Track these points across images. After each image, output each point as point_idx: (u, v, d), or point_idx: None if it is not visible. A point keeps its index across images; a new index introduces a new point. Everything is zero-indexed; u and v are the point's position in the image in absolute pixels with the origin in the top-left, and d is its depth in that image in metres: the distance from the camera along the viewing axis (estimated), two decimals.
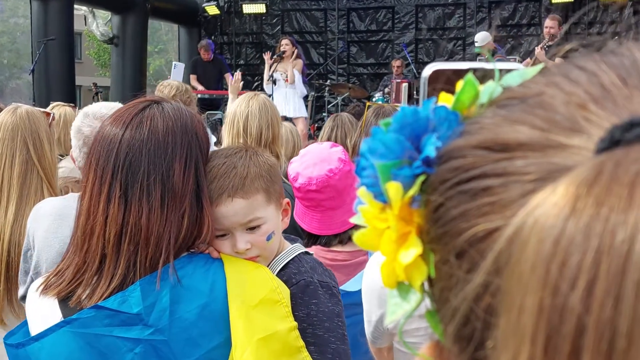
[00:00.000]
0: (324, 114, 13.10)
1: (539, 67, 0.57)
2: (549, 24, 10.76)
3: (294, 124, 9.22)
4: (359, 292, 2.19)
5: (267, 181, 1.90)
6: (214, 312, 1.68)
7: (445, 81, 0.66)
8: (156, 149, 1.72)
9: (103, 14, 16.97)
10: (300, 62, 11.06)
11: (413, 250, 0.53)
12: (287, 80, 10.65)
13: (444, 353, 0.55)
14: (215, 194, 1.82)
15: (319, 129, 12.47)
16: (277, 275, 1.90)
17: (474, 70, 0.65)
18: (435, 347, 0.57)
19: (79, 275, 1.71)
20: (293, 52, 11.01)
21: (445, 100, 0.57)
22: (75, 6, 14.00)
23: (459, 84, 0.57)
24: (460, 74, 0.63)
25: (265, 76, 10.80)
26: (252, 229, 1.87)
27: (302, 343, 1.78)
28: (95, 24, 16.64)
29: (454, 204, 0.50)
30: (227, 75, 13.27)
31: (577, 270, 0.39)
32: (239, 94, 5.52)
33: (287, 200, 2.04)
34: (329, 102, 13.42)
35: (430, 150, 0.53)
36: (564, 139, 0.46)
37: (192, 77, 13.16)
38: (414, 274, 0.54)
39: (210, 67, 13.22)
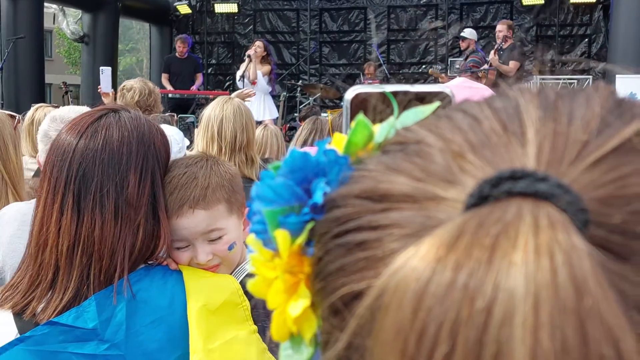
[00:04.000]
0: (295, 114, 13.07)
1: (436, 105, 0.55)
2: (500, 28, 11.13)
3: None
4: None
5: (229, 191, 1.87)
6: (172, 326, 1.65)
7: (368, 104, 0.64)
8: (110, 159, 1.68)
9: (73, 12, 16.79)
10: (268, 67, 11.03)
11: (301, 302, 0.51)
12: (253, 83, 10.63)
13: None
14: (176, 205, 1.78)
15: (292, 129, 12.48)
16: None
17: (398, 94, 0.63)
18: None
19: (33, 288, 1.67)
20: (264, 55, 10.99)
21: (339, 142, 0.55)
22: (45, 4, 13.84)
23: (354, 123, 0.54)
24: (385, 96, 0.61)
25: (239, 73, 10.79)
26: (214, 240, 1.85)
27: (264, 345, 1.76)
28: (66, 22, 16.46)
29: (331, 258, 0.48)
30: (199, 75, 13.19)
31: (433, 342, 0.37)
32: (205, 94, 5.49)
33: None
34: (301, 102, 13.39)
35: (318, 197, 0.51)
36: (439, 191, 0.44)
37: (164, 76, 13.07)
38: (304, 327, 0.52)
39: (184, 65, 13.13)
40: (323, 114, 9.89)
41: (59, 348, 1.61)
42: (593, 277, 0.36)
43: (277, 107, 11.68)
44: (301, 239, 0.51)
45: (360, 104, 0.72)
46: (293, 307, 0.51)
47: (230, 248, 1.88)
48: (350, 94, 0.74)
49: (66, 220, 1.66)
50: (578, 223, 0.39)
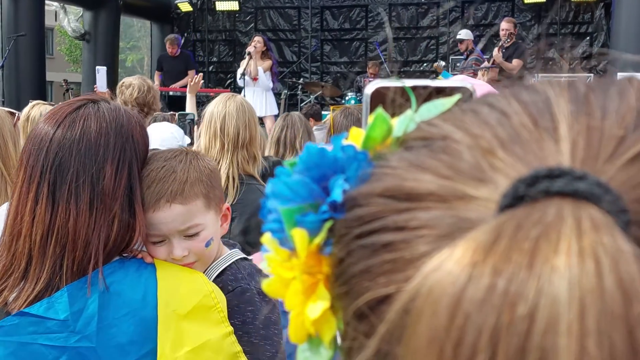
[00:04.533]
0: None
1: (456, 97, 0.53)
2: (505, 26, 11.02)
3: (263, 122, 9.22)
4: None
5: (207, 186, 1.85)
6: (144, 320, 1.63)
7: (389, 99, 0.62)
8: (87, 150, 1.66)
9: (75, 10, 16.79)
10: (269, 62, 11.02)
11: (320, 303, 0.49)
12: (254, 79, 10.63)
13: None
14: (153, 199, 1.76)
15: None
16: (213, 281, 1.86)
17: (418, 88, 0.61)
18: None
19: (5, 277, 1.66)
20: (264, 51, 10.98)
21: (357, 136, 0.53)
22: (47, 2, 13.84)
23: (371, 118, 0.53)
24: (404, 91, 0.59)
25: (239, 71, 10.78)
26: (191, 235, 1.83)
27: (239, 348, 1.74)
28: (67, 19, 16.45)
29: (354, 259, 0.45)
30: (191, 72, 13.18)
31: (473, 350, 0.35)
32: (206, 92, 5.48)
33: (227, 205, 2.00)
34: (302, 100, 13.36)
35: (337, 194, 0.48)
36: (469, 190, 0.42)
37: (156, 74, 13.08)
38: (323, 329, 0.50)
39: (176, 63, 13.12)
40: (325, 112, 9.89)
41: (29, 339, 1.59)
42: None
43: (278, 104, 11.67)
44: (320, 238, 0.49)
45: (379, 99, 0.70)
46: (312, 309, 0.49)
47: (207, 244, 1.86)
48: (370, 88, 0.72)
49: (40, 210, 1.64)
50: (621, 224, 0.37)
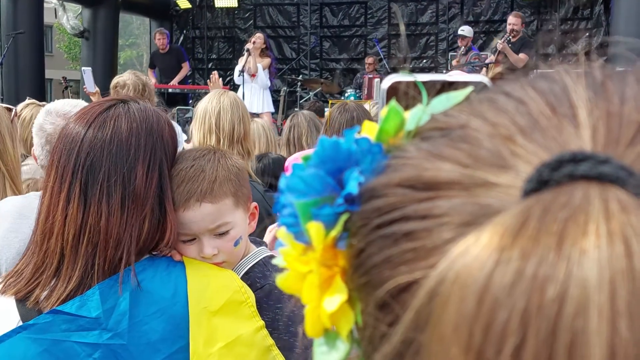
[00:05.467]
0: (296, 109, 13.07)
1: (468, 90, 0.53)
2: (512, 20, 10.92)
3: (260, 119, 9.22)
4: None
5: (236, 185, 1.86)
6: (175, 317, 1.65)
7: (402, 92, 0.62)
8: (118, 150, 1.68)
9: (73, 7, 16.76)
10: (268, 60, 11.04)
11: (338, 296, 0.49)
12: (253, 76, 10.64)
13: None
14: (183, 198, 1.77)
15: None
16: (241, 278, 1.87)
17: (434, 83, 0.61)
18: None
19: (37, 275, 1.68)
20: (263, 48, 11.00)
21: (370, 129, 0.53)
22: None
23: (384, 111, 0.53)
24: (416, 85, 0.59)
25: (238, 67, 10.79)
26: (221, 234, 1.84)
27: (271, 342, 1.75)
28: (66, 17, 16.43)
29: (374, 250, 0.45)
30: (185, 64, 13.17)
31: (502, 334, 0.35)
32: (206, 89, 5.49)
33: (254, 204, 2.01)
34: (302, 97, 13.37)
35: (353, 187, 0.49)
36: (490, 177, 0.42)
37: (149, 72, 13.11)
38: (340, 322, 0.50)
39: (167, 59, 13.15)
40: (325, 109, 9.89)
41: (61, 337, 1.61)
42: None
43: (278, 102, 11.69)
44: (336, 231, 0.49)
45: (395, 94, 0.70)
46: (329, 302, 0.49)
47: (236, 244, 1.87)
48: (386, 83, 0.72)
49: (72, 209, 1.66)
50: None
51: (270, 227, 2.68)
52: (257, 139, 4.73)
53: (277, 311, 1.88)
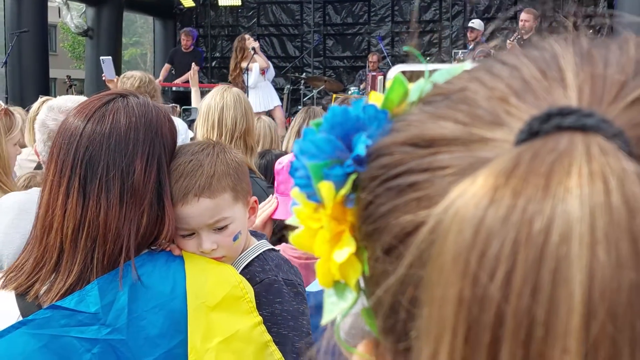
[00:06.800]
0: (299, 107, 13.08)
1: (466, 63, 0.57)
2: (524, 17, 10.76)
3: (272, 116, 9.26)
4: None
5: (235, 179, 1.86)
6: (173, 311, 1.65)
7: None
8: (117, 144, 1.68)
9: (77, 6, 16.80)
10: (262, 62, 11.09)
11: (347, 249, 0.53)
12: (263, 73, 10.69)
13: (380, 349, 0.56)
14: (181, 193, 1.78)
15: None
16: (241, 272, 1.88)
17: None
18: (371, 344, 0.58)
19: (37, 269, 1.68)
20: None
21: (376, 99, 0.57)
22: None
23: (389, 82, 0.57)
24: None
25: (244, 64, 10.82)
26: (219, 229, 1.84)
27: (268, 337, 1.76)
28: (70, 16, 16.45)
29: (382, 200, 0.50)
30: (194, 67, 13.22)
31: (495, 261, 0.40)
32: (209, 87, 5.51)
33: (254, 198, 2.01)
34: (305, 95, 13.40)
35: (361, 149, 0.53)
36: (486, 133, 0.47)
37: (165, 67, 13.14)
38: (348, 273, 0.54)
39: (186, 58, 13.16)
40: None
41: (61, 332, 1.61)
42: None
43: (281, 99, 11.71)
44: (345, 190, 0.54)
45: None
46: (338, 254, 0.53)
47: (235, 238, 1.87)
48: (393, 72, 0.76)
49: (72, 204, 1.66)
50: (626, 151, 0.42)
51: (260, 210, 2.67)
52: (262, 137, 4.77)
53: (277, 306, 1.88)
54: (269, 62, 11.07)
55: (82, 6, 16.24)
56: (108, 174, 1.67)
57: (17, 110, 4.64)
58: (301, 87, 13.57)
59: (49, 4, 13.93)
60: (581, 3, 15.07)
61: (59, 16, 17.27)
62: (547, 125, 0.43)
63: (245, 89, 10.29)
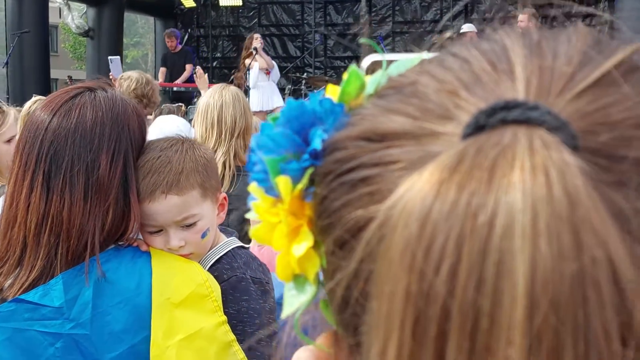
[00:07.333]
0: None
1: (422, 55, 0.57)
2: (520, 17, 10.81)
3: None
4: None
5: (203, 176, 1.85)
6: (138, 307, 1.64)
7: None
8: (82, 139, 1.67)
9: (78, 7, 16.82)
10: (263, 62, 11.10)
11: (305, 243, 0.54)
12: (267, 73, 10.72)
13: (339, 341, 0.56)
14: (149, 190, 1.76)
15: None
16: (208, 270, 1.87)
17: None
18: (331, 336, 0.58)
19: (1, 263, 1.67)
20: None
21: (333, 92, 0.57)
22: None
23: (345, 75, 0.57)
24: None
25: (245, 63, 10.84)
26: (187, 226, 1.83)
27: (232, 337, 1.75)
28: (71, 16, 16.48)
29: (336, 195, 0.51)
30: (189, 67, 13.23)
31: (440, 255, 0.41)
32: (210, 87, 5.52)
33: (224, 194, 2.00)
34: (306, 95, 13.38)
35: (317, 143, 0.53)
36: (436, 127, 0.47)
37: (162, 70, 13.19)
38: (307, 266, 0.55)
39: (176, 59, 13.23)
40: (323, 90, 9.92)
41: (24, 326, 1.60)
42: (585, 190, 0.40)
43: (283, 99, 11.72)
44: (302, 184, 0.54)
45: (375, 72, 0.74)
46: (297, 248, 0.54)
47: (203, 235, 1.86)
48: (366, 62, 0.76)
49: (35, 198, 1.65)
50: (569, 144, 0.42)
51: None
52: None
53: (243, 303, 1.86)
54: (274, 63, 11.07)
55: (83, 7, 16.28)
56: (72, 169, 1.65)
57: (13, 110, 4.65)
58: (302, 87, 13.57)
59: (50, 4, 13.96)
60: (581, 3, 15.09)
61: (60, 17, 17.31)
62: (492, 119, 0.44)
63: (246, 87, 10.34)
